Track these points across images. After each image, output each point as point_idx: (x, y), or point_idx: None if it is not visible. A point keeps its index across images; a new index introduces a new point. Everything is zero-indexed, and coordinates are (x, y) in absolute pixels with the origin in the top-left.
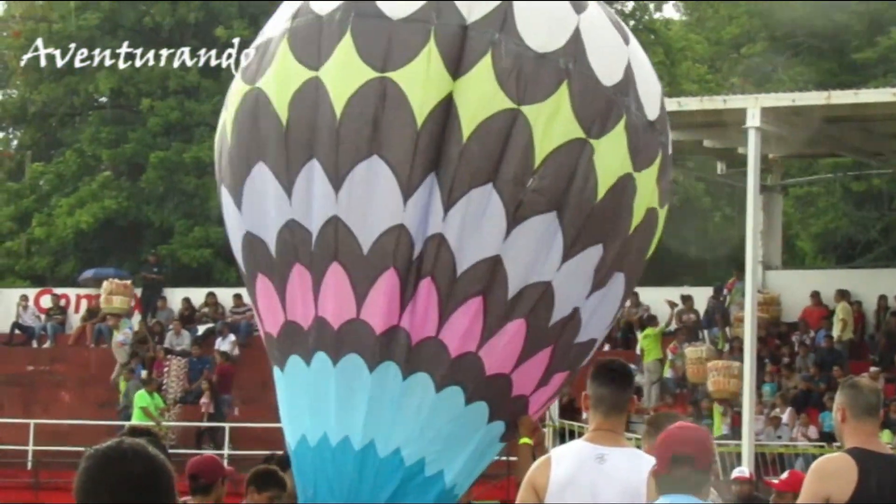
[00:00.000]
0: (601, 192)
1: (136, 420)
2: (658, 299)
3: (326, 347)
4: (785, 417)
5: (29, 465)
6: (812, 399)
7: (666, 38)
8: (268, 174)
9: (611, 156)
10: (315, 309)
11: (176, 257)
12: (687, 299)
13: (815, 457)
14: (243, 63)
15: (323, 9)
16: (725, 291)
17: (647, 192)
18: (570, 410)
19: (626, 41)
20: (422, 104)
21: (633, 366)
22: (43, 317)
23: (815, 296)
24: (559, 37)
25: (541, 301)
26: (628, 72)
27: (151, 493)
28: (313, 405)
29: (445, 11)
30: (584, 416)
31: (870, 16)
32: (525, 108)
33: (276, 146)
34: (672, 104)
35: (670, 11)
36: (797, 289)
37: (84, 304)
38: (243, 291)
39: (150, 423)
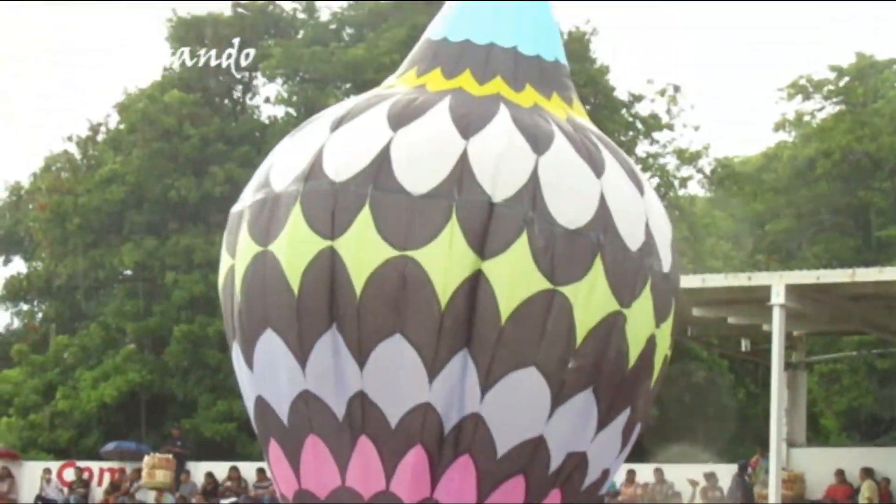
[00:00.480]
0: (632, 359)
1: None
2: (681, 477)
3: None
4: None
5: None
6: None
7: (690, 215)
8: (278, 343)
9: (640, 321)
10: (341, 478)
11: (199, 431)
12: (710, 477)
13: None
14: (248, 206)
15: (337, 173)
16: (749, 469)
17: (664, 343)
18: None
19: (642, 191)
20: (445, 285)
21: None
22: (66, 490)
23: (840, 474)
24: (587, 209)
25: (576, 470)
26: (647, 230)
27: None
28: None
29: (468, 187)
30: None
31: (894, 193)
32: (563, 289)
33: (287, 316)
34: (696, 281)
35: (695, 188)
36: (822, 466)
37: (107, 478)
38: (266, 466)
39: None
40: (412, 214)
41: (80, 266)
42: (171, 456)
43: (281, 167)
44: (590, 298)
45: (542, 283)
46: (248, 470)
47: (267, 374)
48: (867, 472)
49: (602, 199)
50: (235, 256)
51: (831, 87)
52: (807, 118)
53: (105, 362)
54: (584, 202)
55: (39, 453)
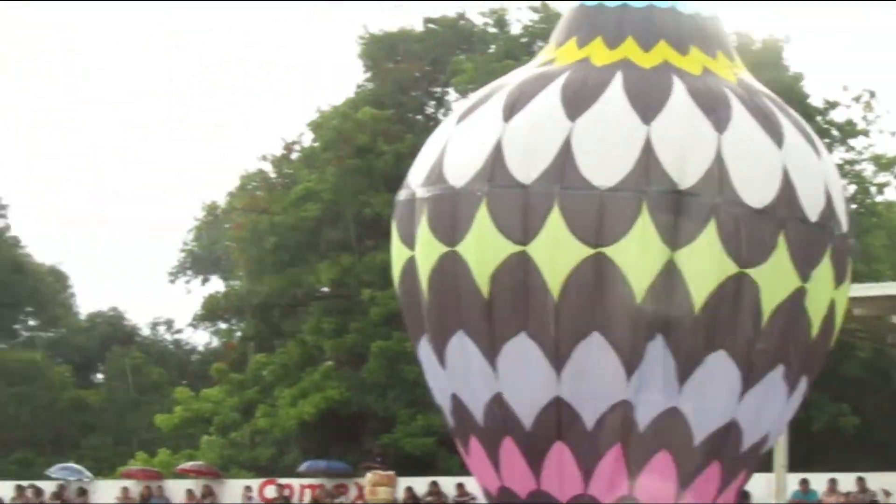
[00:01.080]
0: (814, 331)
1: None
2: (888, 485)
3: None
4: None
5: None
6: None
7: (888, 222)
8: (470, 346)
9: (821, 290)
10: (536, 482)
11: (399, 446)
12: None
13: None
14: (422, 194)
15: (523, 175)
16: None
17: (842, 301)
18: None
19: (819, 152)
20: (640, 280)
21: None
22: None
23: None
24: (772, 185)
25: (760, 447)
26: (827, 193)
27: None
28: None
29: (655, 176)
30: None
31: None
32: (750, 272)
33: (479, 320)
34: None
35: (892, 194)
36: None
37: (308, 494)
38: (466, 480)
39: None
40: (602, 210)
41: (276, 284)
42: (393, 473)
43: (456, 160)
44: (774, 278)
45: (732, 268)
46: (447, 485)
47: (460, 374)
48: None
49: (785, 172)
50: (415, 249)
51: None
52: None
53: (303, 380)
54: (769, 178)
55: (240, 471)
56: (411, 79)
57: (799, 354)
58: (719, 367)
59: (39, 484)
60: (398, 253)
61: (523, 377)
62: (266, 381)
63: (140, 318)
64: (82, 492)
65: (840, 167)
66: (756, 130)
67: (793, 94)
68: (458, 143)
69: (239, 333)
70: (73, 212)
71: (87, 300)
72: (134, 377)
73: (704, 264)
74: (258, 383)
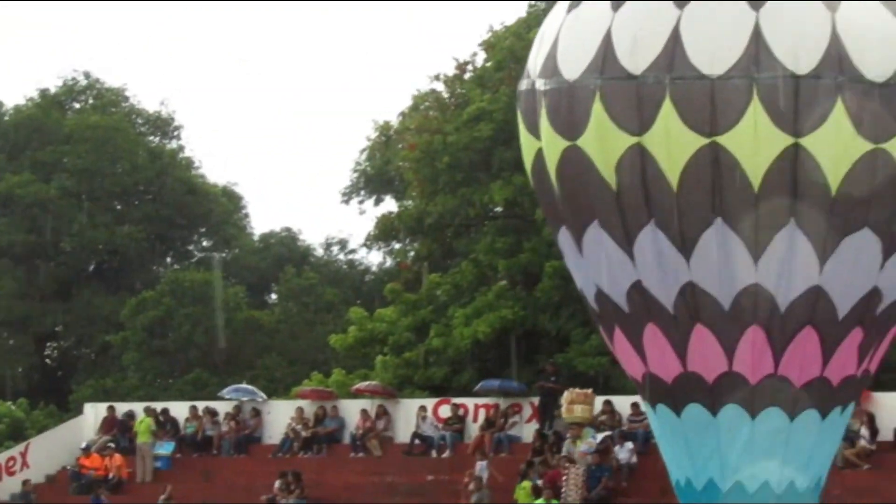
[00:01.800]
0: None
1: None
2: None
3: (702, 400)
4: None
5: None
6: None
7: None
8: (605, 236)
9: None
10: (682, 365)
11: (573, 366)
12: None
13: None
14: (543, 91)
15: (634, 65)
16: None
17: None
18: None
19: None
20: (756, 166)
21: None
22: (441, 426)
23: None
24: (892, 55)
25: (884, 297)
26: None
27: None
28: (701, 449)
29: (765, 62)
30: None
31: None
32: (885, 146)
33: (609, 210)
34: None
35: None
36: None
37: (482, 414)
38: (639, 399)
39: None
40: (713, 98)
41: (450, 204)
42: (590, 390)
43: (568, 52)
44: None
45: (865, 146)
46: (622, 403)
47: (600, 264)
48: None
49: None
50: (542, 139)
51: None
52: None
53: (477, 299)
54: (889, 49)
55: (414, 391)
56: None
57: None
58: (862, 243)
59: (213, 404)
60: (527, 144)
61: (658, 264)
62: (440, 300)
63: (314, 238)
64: (256, 412)
65: None
66: (869, 2)
67: None
68: (569, 33)
69: (412, 253)
70: (248, 132)
71: (261, 221)
72: (308, 297)
73: (836, 146)
74: (432, 303)
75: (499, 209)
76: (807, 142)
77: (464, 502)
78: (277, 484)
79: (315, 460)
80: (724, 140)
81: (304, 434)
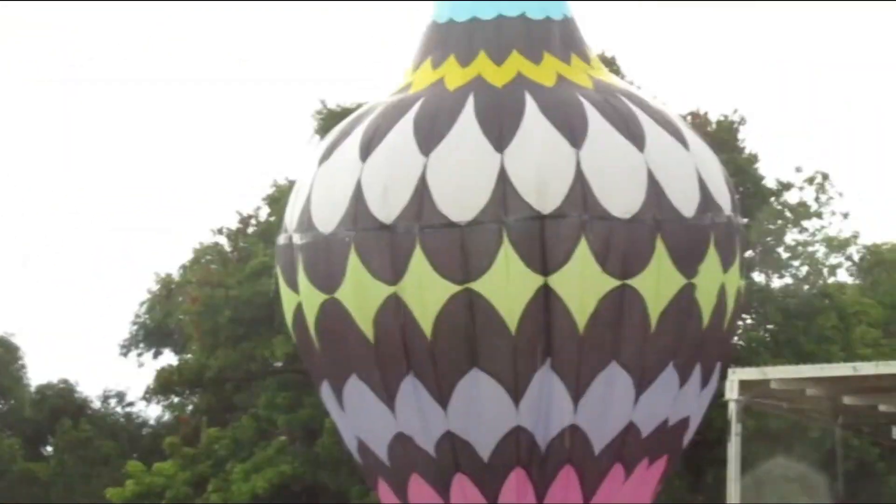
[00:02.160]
0: (706, 319)
1: None
2: None
3: None
4: None
5: None
6: None
7: (840, 303)
8: (364, 388)
9: (708, 280)
10: None
11: None
12: None
13: None
14: (299, 241)
15: (385, 215)
16: None
17: (733, 283)
18: None
19: (686, 144)
20: (510, 310)
21: None
22: None
23: None
24: (638, 192)
25: (663, 434)
26: (701, 183)
27: None
28: None
29: (513, 205)
30: None
31: None
32: (631, 282)
33: (368, 363)
34: (847, 369)
35: (844, 276)
36: None
37: None
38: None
39: None
40: (464, 245)
41: (231, 358)
42: None
43: (321, 205)
44: (657, 282)
45: (611, 283)
46: None
47: (361, 416)
48: None
49: (650, 174)
50: (300, 293)
51: None
52: None
53: (257, 454)
54: (634, 185)
55: None
56: None
57: (691, 346)
58: (612, 380)
59: None
60: (287, 298)
61: (418, 416)
62: (219, 455)
63: (91, 390)
64: None
65: (792, 248)
66: (614, 137)
67: (747, 176)
68: (322, 186)
69: (191, 407)
70: (24, 282)
71: (38, 372)
72: (84, 450)
73: (582, 284)
74: (211, 457)
75: (280, 364)
76: (554, 281)
77: None
78: None
79: None
80: (477, 286)
81: None
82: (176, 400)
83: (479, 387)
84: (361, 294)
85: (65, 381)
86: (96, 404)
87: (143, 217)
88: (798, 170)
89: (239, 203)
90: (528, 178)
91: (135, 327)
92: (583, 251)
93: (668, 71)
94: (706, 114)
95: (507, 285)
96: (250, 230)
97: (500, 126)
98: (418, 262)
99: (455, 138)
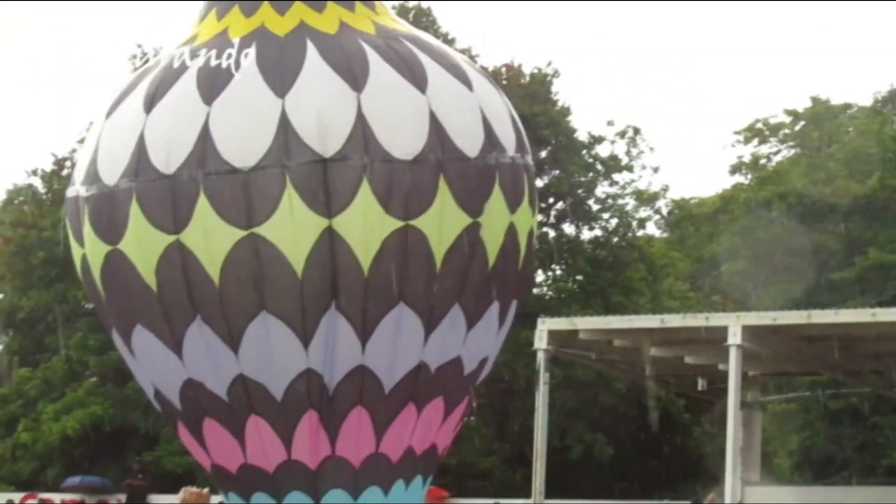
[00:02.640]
0: (492, 257)
1: None
2: None
3: (266, 489)
4: None
5: None
6: None
7: (648, 255)
8: (150, 337)
9: (494, 219)
10: (244, 456)
11: (161, 464)
12: None
13: None
14: (84, 193)
15: (167, 165)
16: None
17: (524, 222)
18: None
19: (470, 85)
20: (295, 253)
21: None
22: None
23: None
24: (421, 133)
25: (454, 372)
26: (485, 124)
27: None
28: None
29: (295, 149)
30: None
31: (847, 237)
32: (415, 222)
33: (153, 312)
34: (655, 321)
35: (653, 229)
36: None
37: None
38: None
39: None
40: (248, 190)
41: (43, 299)
42: (206, 490)
43: (106, 158)
44: (441, 222)
45: (394, 224)
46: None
47: (150, 364)
48: None
49: (432, 116)
50: (84, 246)
51: (787, 131)
52: (763, 161)
53: (68, 395)
54: (416, 126)
55: (1, 485)
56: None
57: (479, 283)
58: (400, 320)
59: None
60: (75, 251)
61: (209, 360)
62: (29, 395)
63: None
64: None
65: (603, 201)
66: (396, 81)
67: (559, 128)
68: (107, 139)
69: (2, 347)
70: None
71: None
72: None
73: (365, 225)
74: (21, 398)
75: (91, 306)
76: (337, 223)
77: None
78: None
79: None
80: (262, 230)
81: None
82: None
83: (269, 330)
84: (143, 244)
85: None
86: None
87: None
88: (610, 123)
89: (54, 146)
90: (308, 123)
91: None
92: (365, 193)
93: (485, 23)
94: (520, 66)
95: (292, 229)
96: (65, 172)
97: (281, 73)
98: (202, 209)
99: (237, 87)
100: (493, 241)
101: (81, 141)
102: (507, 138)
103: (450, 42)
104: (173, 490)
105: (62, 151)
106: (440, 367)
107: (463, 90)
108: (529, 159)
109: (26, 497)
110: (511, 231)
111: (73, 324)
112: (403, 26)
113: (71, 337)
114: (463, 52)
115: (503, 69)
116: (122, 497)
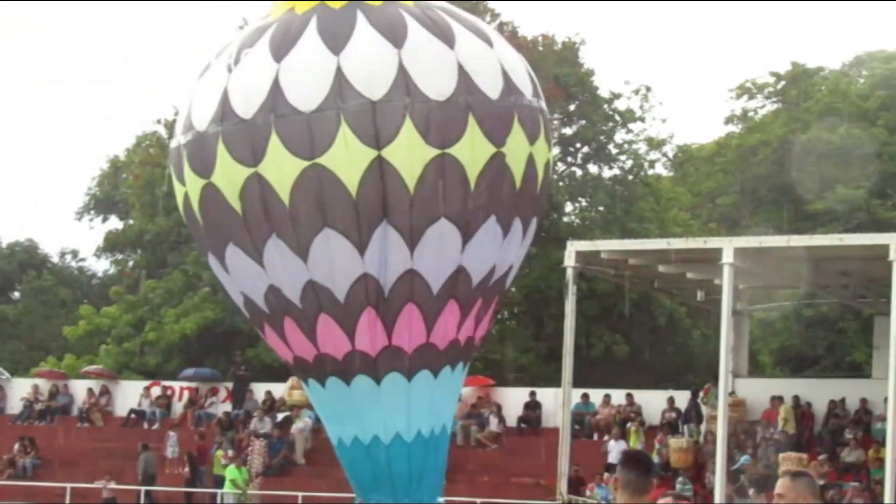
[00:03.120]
0: (518, 181)
1: (227, 489)
2: (649, 400)
3: (337, 374)
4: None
5: None
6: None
7: (657, 190)
8: (239, 252)
9: (516, 149)
10: (315, 349)
11: (261, 358)
12: (670, 400)
13: None
14: (182, 140)
15: (245, 111)
16: (701, 394)
17: (541, 154)
18: (576, 484)
19: (491, 43)
20: (350, 178)
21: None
22: (152, 402)
23: (773, 399)
24: (451, 79)
25: (487, 275)
26: (504, 74)
27: None
28: (344, 413)
29: (348, 95)
30: (589, 491)
31: (819, 175)
32: (450, 150)
33: (240, 231)
34: (662, 243)
35: (661, 169)
36: (760, 394)
37: (186, 395)
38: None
39: (238, 492)
40: (310, 128)
41: (165, 224)
42: None
43: (198, 109)
44: (472, 150)
45: (433, 152)
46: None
47: (240, 276)
48: (781, 399)
49: (459, 66)
50: (186, 185)
51: (771, 90)
52: (751, 114)
53: (185, 302)
54: (447, 74)
55: (131, 374)
56: None
57: (507, 203)
58: (442, 231)
59: None
60: (178, 191)
61: (284, 269)
62: (154, 302)
63: (51, 248)
64: (0, 388)
65: (620, 146)
66: (429, 39)
67: (585, 87)
68: (198, 95)
69: (133, 263)
70: None
71: (8, 232)
72: (46, 296)
73: (410, 154)
74: (148, 304)
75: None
76: (386, 153)
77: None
78: (17, 447)
79: (48, 428)
80: (322, 160)
81: (39, 407)
82: (120, 257)
83: (330, 242)
84: (229, 176)
85: (30, 240)
86: (55, 259)
87: (96, 105)
88: (627, 83)
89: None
90: (359, 73)
91: (87, 198)
92: (408, 128)
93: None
94: (553, 35)
95: (347, 158)
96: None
97: (336, 36)
98: (274, 145)
99: (301, 48)
100: (517, 167)
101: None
102: (525, 86)
103: (496, 16)
104: (270, 380)
105: (167, 111)
106: (476, 271)
107: (485, 48)
108: (543, 104)
109: (151, 384)
110: (531, 160)
111: (189, 244)
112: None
113: (188, 255)
114: (506, 24)
115: (540, 38)
116: (230, 385)
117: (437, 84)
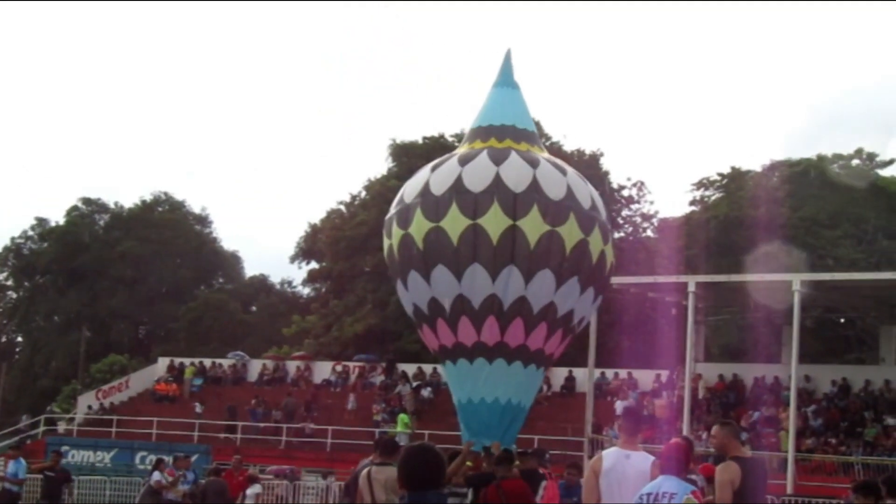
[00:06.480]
0: (594, 260)
1: (399, 429)
2: (643, 376)
3: (466, 357)
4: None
5: None
6: None
7: (647, 247)
8: (417, 276)
9: (595, 243)
10: (455, 338)
11: (404, 349)
12: (657, 376)
13: None
14: (394, 211)
15: (438, 190)
16: (675, 373)
17: (596, 244)
18: (596, 428)
19: (565, 173)
20: (494, 234)
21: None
22: (336, 375)
23: (721, 376)
24: (562, 189)
25: (572, 320)
26: (568, 189)
27: None
28: (466, 382)
29: (502, 186)
30: (604, 432)
31: (751, 239)
32: (558, 229)
33: (418, 260)
34: (649, 279)
35: (650, 232)
36: (712, 372)
37: (357, 370)
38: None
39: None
40: (476, 202)
41: (345, 266)
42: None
43: (408, 191)
44: (569, 232)
45: (546, 227)
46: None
47: (415, 290)
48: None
49: (568, 186)
50: (391, 238)
51: (719, 184)
52: (706, 199)
53: (356, 314)
54: (560, 187)
55: (324, 358)
56: None
57: (585, 272)
58: (545, 277)
59: None
60: (396, 234)
61: (444, 286)
62: (337, 313)
63: (276, 279)
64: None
65: (623, 218)
66: (552, 169)
67: (601, 180)
68: (410, 184)
69: (325, 289)
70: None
71: (248, 269)
72: (272, 309)
73: (533, 226)
74: (334, 314)
75: (368, 269)
76: (519, 223)
77: None
78: (253, 401)
79: (273, 390)
80: (480, 221)
81: (266, 377)
82: (317, 285)
83: (476, 272)
84: (420, 228)
85: (262, 275)
86: (278, 286)
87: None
88: (628, 179)
89: (344, 188)
90: (510, 176)
91: (296, 248)
92: (535, 211)
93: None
94: (584, 149)
95: (494, 222)
96: (356, 202)
97: (497, 158)
98: (453, 209)
99: (475, 161)
100: (596, 250)
101: (362, 189)
102: (584, 199)
103: (555, 142)
104: (406, 361)
105: (346, 196)
106: (561, 306)
107: (579, 180)
108: (601, 216)
109: (336, 363)
110: (582, 243)
111: (360, 277)
112: (540, 153)
113: (358, 285)
114: (555, 143)
115: (575, 152)
116: (384, 364)
117: (555, 192)
